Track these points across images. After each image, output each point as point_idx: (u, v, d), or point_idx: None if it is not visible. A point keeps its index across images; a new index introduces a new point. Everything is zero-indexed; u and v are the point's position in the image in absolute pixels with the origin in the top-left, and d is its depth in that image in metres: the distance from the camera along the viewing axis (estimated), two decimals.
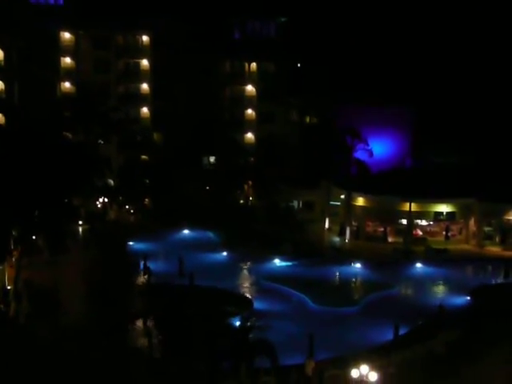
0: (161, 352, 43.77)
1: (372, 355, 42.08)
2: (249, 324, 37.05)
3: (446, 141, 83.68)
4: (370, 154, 79.86)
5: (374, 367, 37.47)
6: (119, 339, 45.98)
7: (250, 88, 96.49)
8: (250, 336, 36.17)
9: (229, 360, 35.90)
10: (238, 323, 40.19)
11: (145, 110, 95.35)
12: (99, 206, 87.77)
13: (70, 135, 74.68)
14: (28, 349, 29.53)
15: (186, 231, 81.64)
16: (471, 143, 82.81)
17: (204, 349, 37.35)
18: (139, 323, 49.71)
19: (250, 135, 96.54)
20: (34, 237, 59.81)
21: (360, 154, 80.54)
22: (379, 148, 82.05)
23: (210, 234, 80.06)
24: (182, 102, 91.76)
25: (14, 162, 52.78)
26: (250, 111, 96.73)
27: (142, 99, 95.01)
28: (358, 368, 37.20)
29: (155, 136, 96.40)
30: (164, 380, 40.05)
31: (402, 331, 50.09)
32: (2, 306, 50.20)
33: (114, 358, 32.39)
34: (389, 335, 49.31)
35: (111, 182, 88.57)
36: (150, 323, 48.18)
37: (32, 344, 30.10)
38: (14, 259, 57.74)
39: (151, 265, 64.70)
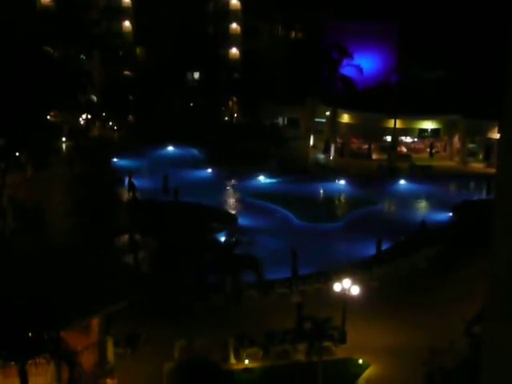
0: (147, 267, 44.26)
1: (355, 270, 42.79)
2: (234, 239, 37.42)
3: (432, 56, 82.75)
4: (360, 70, 78.86)
5: (356, 281, 38.17)
6: (105, 254, 46.37)
7: (234, 1, 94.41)
8: (235, 251, 36.54)
9: (214, 274, 36.36)
10: (223, 238, 40.55)
11: (127, 23, 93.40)
12: (82, 122, 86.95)
13: (51, 50, 73.11)
14: (12, 263, 29.72)
15: (170, 148, 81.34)
16: (458, 58, 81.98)
17: (190, 263, 37.76)
18: (125, 239, 50.08)
19: (234, 50, 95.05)
20: (17, 153, 59.41)
21: (347, 71, 79.71)
22: (365, 64, 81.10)
23: (195, 151, 79.84)
24: (165, 16, 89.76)
25: None
26: (234, 25, 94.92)
27: (124, 12, 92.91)
28: (341, 282, 37.88)
29: (138, 51, 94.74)
30: (151, 294, 40.65)
31: (384, 246, 50.85)
32: None
33: (101, 273, 32.69)
34: (371, 250, 50.07)
35: (94, 98, 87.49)
36: (136, 238, 48.59)
37: (17, 259, 30.29)
38: None
39: (136, 181, 64.69)
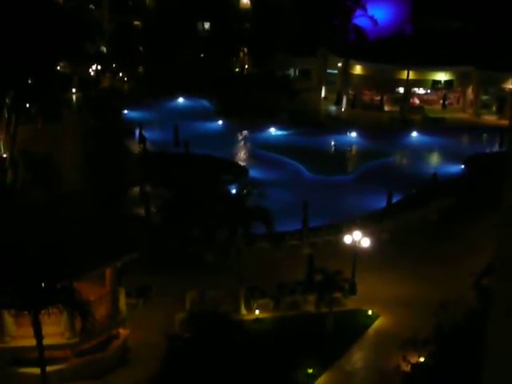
0: (158, 219, 44.47)
1: (365, 222, 42.81)
2: (245, 191, 37.40)
3: (447, 6, 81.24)
4: (374, 22, 77.55)
5: (366, 233, 38.24)
6: (116, 206, 46.57)
7: None
8: (246, 203, 36.58)
9: (225, 226, 36.48)
10: (233, 191, 40.55)
11: None
12: (92, 73, 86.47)
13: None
14: (25, 214, 29.90)
15: (180, 100, 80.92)
16: (473, 9, 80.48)
17: (201, 215, 37.88)
18: (136, 190, 50.23)
19: (245, 0, 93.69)
20: (27, 105, 59.28)
21: (360, 22, 78.53)
22: (379, 14, 79.83)
23: (205, 103, 79.40)
24: None
25: (3, 28, 51.36)
26: None
27: None
28: (351, 234, 37.97)
29: (147, 0, 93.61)
30: (162, 245, 40.92)
31: (395, 199, 50.75)
32: None
33: (112, 224, 32.87)
34: (382, 203, 49.98)
35: (104, 48, 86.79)
36: (146, 190, 48.72)
37: (29, 210, 30.47)
38: (8, 128, 57.44)
39: (146, 133, 64.56)
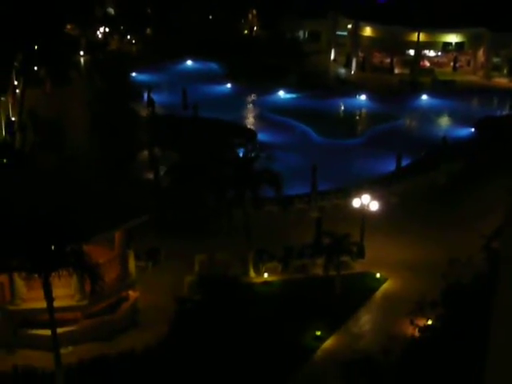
0: (167, 182, 44.52)
1: (374, 185, 42.72)
2: (253, 155, 37.30)
3: None
4: None
5: (375, 197, 38.17)
6: (126, 169, 46.61)
7: None
8: (255, 166, 36.52)
9: (234, 189, 36.49)
10: (242, 154, 40.44)
11: None
12: (100, 36, 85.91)
13: None
14: (34, 177, 29.96)
15: (188, 62, 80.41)
16: None
17: (209, 178, 37.87)
18: (145, 154, 50.22)
19: None
20: (35, 68, 59.08)
21: None
22: None
23: (214, 65, 78.88)
24: None
25: None
26: None
27: None
28: (360, 198, 37.92)
29: None
30: (171, 209, 41.04)
31: (404, 162, 50.56)
32: (7, 137, 50.51)
33: (122, 188, 32.94)
34: (391, 166, 49.82)
35: (111, 10, 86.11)
36: (155, 154, 48.71)
37: (38, 172, 30.51)
38: (17, 91, 57.37)
39: (155, 96, 64.30)
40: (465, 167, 50.66)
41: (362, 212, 37.80)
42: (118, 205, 30.38)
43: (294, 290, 34.82)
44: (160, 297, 33.46)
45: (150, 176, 46.85)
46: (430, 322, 27.03)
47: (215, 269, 35.27)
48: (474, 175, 48.86)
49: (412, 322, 26.55)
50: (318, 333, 30.82)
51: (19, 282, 29.51)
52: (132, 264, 33.13)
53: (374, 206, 37.73)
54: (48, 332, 26.45)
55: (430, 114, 65.90)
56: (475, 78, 76.66)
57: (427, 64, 78.77)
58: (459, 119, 63.42)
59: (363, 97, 69.32)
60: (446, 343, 23.31)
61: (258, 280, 35.96)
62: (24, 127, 52.26)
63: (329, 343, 30.53)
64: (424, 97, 69.84)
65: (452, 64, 78.01)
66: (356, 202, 38.02)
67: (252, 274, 36.34)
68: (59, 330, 26.97)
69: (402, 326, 29.58)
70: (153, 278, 35.18)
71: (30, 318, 30.05)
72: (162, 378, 27.20)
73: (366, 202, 37.68)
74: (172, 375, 27.35)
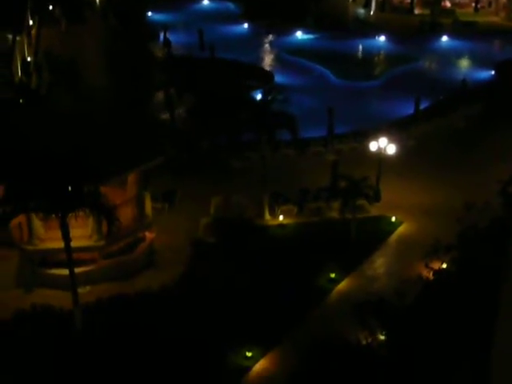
0: (183, 124, 44.44)
1: (391, 128, 42.36)
2: (270, 97, 36.98)
3: None
4: None
5: (392, 140, 37.89)
6: (142, 111, 46.43)
7: None
8: (271, 109, 36.27)
9: (250, 132, 36.35)
10: (259, 96, 40.13)
11: None
12: None
13: None
14: (51, 118, 29.95)
15: (205, 2, 79.28)
16: None
17: (226, 121, 37.72)
18: (161, 95, 49.92)
19: None
20: (50, 7, 58.51)
21: None
22: None
23: (231, 5, 77.75)
24: None
25: None
26: None
27: None
28: (377, 141, 37.66)
29: None
30: (187, 151, 41.03)
31: (423, 105, 49.99)
32: (23, 78, 50.30)
33: (138, 129, 32.86)
34: (410, 109, 49.29)
35: None
36: (171, 95, 48.38)
37: (55, 113, 30.47)
38: (32, 31, 56.92)
39: (171, 37, 63.62)
40: (484, 111, 50.06)
41: (379, 155, 37.60)
42: (135, 146, 30.37)
43: (309, 233, 34.94)
44: (176, 238, 33.77)
45: (166, 117, 46.70)
46: (444, 266, 27.15)
47: (231, 211, 35.46)
48: (493, 119, 48.28)
49: (426, 266, 26.67)
50: (333, 275, 31.04)
51: (37, 223, 29.85)
52: (148, 205, 33.33)
53: (391, 149, 37.49)
54: (66, 272, 26.85)
55: (449, 56, 64.77)
56: (497, 20, 75.06)
57: (448, 4, 77.11)
58: (479, 61, 62.30)
59: (382, 38, 68.21)
60: (461, 287, 23.42)
61: (273, 223, 36.09)
62: (40, 67, 52.01)
63: (343, 285, 30.77)
64: (444, 38, 68.59)
65: (473, 5, 76.38)
66: (373, 145, 37.79)
67: (267, 216, 36.47)
68: (77, 270, 27.36)
69: (416, 270, 29.73)
70: (169, 220, 35.42)
71: (48, 258, 30.49)
72: (178, 316, 27.61)
73: (383, 145, 37.43)
74: (187, 314, 27.77)
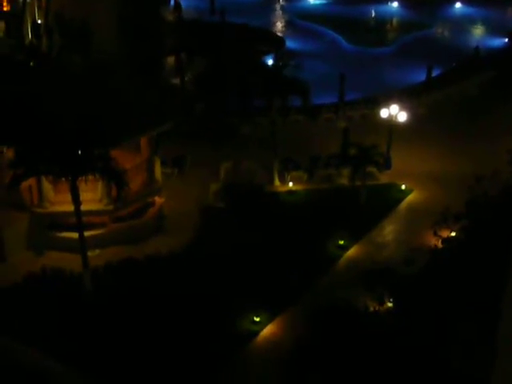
0: (193, 88, 44.23)
1: (403, 96, 42.03)
2: (281, 62, 36.72)
3: None
4: None
5: (404, 108, 37.64)
6: (152, 75, 46.20)
7: None
8: (283, 74, 36.03)
9: (261, 97, 36.17)
10: (270, 61, 39.90)
11: None
12: None
13: None
14: (61, 81, 29.84)
15: None
16: None
17: (237, 86, 37.54)
18: (171, 60, 49.68)
19: None
20: None
21: None
22: None
23: None
24: None
25: None
26: None
27: None
28: (388, 108, 37.43)
29: None
30: (197, 116, 40.91)
31: (435, 72, 49.56)
32: (34, 40, 50.10)
33: (148, 93, 32.73)
34: (422, 76, 48.90)
35: None
36: (182, 60, 48.15)
37: (65, 77, 30.35)
38: None
39: (181, 1, 63.06)
40: (496, 79, 49.57)
41: (390, 123, 37.40)
42: (145, 110, 30.28)
43: (318, 200, 34.92)
44: (185, 203, 33.84)
45: (177, 82, 46.50)
46: (453, 234, 27.12)
47: (240, 177, 35.45)
48: (506, 87, 47.85)
49: (435, 234, 26.65)
50: (342, 242, 31.10)
51: (47, 186, 29.96)
52: (158, 170, 33.36)
53: (402, 116, 37.26)
54: (76, 235, 26.98)
55: (463, 23, 64.12)
56: None
57: None
58: (493, 29, 61.65)
59: (395, 4, 67.52)
60: (469, 255, 23.43)
61: (283, 189, 36.09)
62: (50, 30, 51.70)
63: (352, 252, 30.82)
64: (458, 5, 67.84)
65: None
66: (384, 113, 37.56)
67: (277, 182, 36.45)
68: (86, 234, 27.50)
69: (425, 238, 29.73)
70: (178, 185, 35.45)
71: (58, 221, 30.62)
72: (186, 280, 27.77)
73: (395, 112, 37.20)
74: (195, 279, 27.93)
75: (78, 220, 26.50)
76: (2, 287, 27.37)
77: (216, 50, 44.32)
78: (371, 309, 24.35)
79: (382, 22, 65.97)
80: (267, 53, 48.12)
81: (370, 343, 20.93)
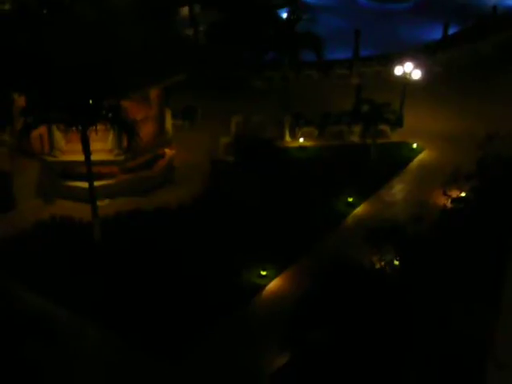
0: (207, 40, 43.89)
1: (418, 53, 41.54)
2: (295, 16, 36.30)
3: None
4: None
5: (418, 65, 37.23)
6: (165, 26, 45.76)
7: None
8: (296, 28, 35.65)
9: (274, 51, 35.86)
10: (284, 15, 39.40)
11: None
12: None
13: None
14: (73, 29, 29.59)
15: None
16: None
17: (250, 38, 37.22)
18: (185, 11, 49.14)
19: None
20: None
21: None
22: None
23: None
24: None
25: None
26: None
27: None
28: (402, 65, 37.04)
29: None
30: (209, 68, 40.63)
31: (451, 31, 48.85)
32: None
33: (160, 44, 32.43)
34: (438, 34, 48.22)
35: None
36: (195, 11, 47.65)
37: (78, 25, 30.09)
38: None
39: None
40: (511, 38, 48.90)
41: (404, 80, 37.04)
42: (157, 61, 30.07)
43: (328, 157, 34.83)
44: (196, 156, 33.84)
45: (190, 33, 46.08)
46: (463, 194, 27.08)
47: (251, 130, 35.35)
48: None
49: (445, 193, 26.62)
50: (350, 199, 31.10)
51: (58, 135, 29.98)
52: (169, 122, 33.28)
53: (417, 74, 36.88)
54: (85, 184, 27.11)
55: None
56: None
57: None
58: None
59: None
60: (479, 215, 23.42)
61: (293, 144, 35.99)
62: None
63: (360, 210, 30.85)
64: None
65: None
66: (398, 70, 37.18)
67: (287, 138, 36.34)
68: (96, 183, 27.62)
69: (435, 197, 29.71)
70: (189, 137, 35.39)
71: (69, 170, 30.72)
72: (194, 232, 27.95)
73: (409, 70, 36.82)
74: (203, 230, 28.09)
75: (88, 170, 26.58)
76: (11, 234, 27.63)
77: (230, 1, 43.81)
78: (377, 266, 24.46)
79: None
80: (281, 5, 47.43)
81: (374, 300, 21.07)
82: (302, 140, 36.11)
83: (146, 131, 30.76)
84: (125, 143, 28.41)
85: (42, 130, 29.53)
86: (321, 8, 50.52)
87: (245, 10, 41.37)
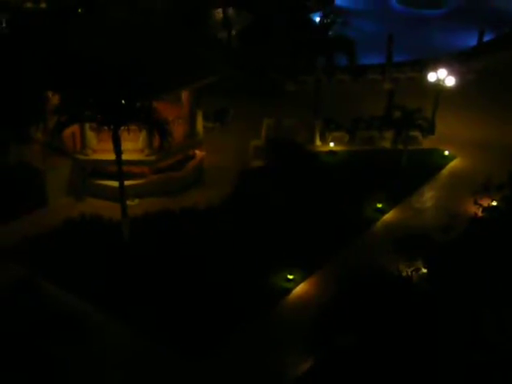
0: (239, 43, 43.97)
1: (452, 60, 41.20)
2: (329, 20, 36.18)
3: None
4: None
5: (452, 72, 36.91)
6: (199, 28, 45.97)
7: None
8: (330, 32, 35.55)
9: (307, 55, 35.77)
10: (317, 19, 39.32)
11: None
12: None
13: None
14: (108, 31, 29.82)
15: None
16: None
17: (283, 42, 37.21)
18: (219, 13, 49.32)
19: None
20: None
21: None
22: None
23: None
24: None
25: None
26: None
27: None
28: (436, 72, 36.74)
29: None
30: (242, 71, 40.70)
31: (487, 37, 48.39)
32: None
33: (193, 45, 32.64)
34: (473, 41, 47.80)
35: None
36: (229, 13, 47.79)
37: (112, 27, 30.33)
38: None
39: None
40: None
41: (437, 87, 36.74)
42: (190, 63, 30.22)
43: (359, 162, 34.66)
44: (225, 158, 33.90)
45: (223, 36, 46.22)
46: (494, 203, 26.77)
47: (282, 134, 35.33)
48: None
49: (476, 202, 26.34)
50: (380, 205, 30.91)
51: (90, 133, 30.23)
52: (200, 123, 33.39)
53: (450, 81, 36.56)
54: (116, 183, 27.28)
55: None
56: None
57: None
58: None
59: None
60: (509, 225, 23.14)
61: (324, 149, 35.88)
62: None
63: (389, 216, 30.63)
64: None
65: None
66: (431, 76, 36.88)
67: (318, 142, 36.24)
68: (127, 183, 27.78)
69: (465, 206, 29.40)
70: (219, 139, 35.48)
71: (100, 169, 30.96)
72: (224, 234, 27.98)
73: (442, 76, 36.52)
74: (231, 233, 28.11)
75: (119, 169, 26.75)
76: (43, 231, 27.92)
77: (263, 4, 43.83)
78: (404, 273, 24.30)
79: None
80: (315, 9, 47.36)
81: (400, 307, 20.95)
82: (332, 145, 36.00)
83: (178, 132, 30.89)
84: (155, 143, 28.56)
85: (75, 128, 29.80)
86: (355, 12, 50.37)
87: (278, 14, 41.36)
